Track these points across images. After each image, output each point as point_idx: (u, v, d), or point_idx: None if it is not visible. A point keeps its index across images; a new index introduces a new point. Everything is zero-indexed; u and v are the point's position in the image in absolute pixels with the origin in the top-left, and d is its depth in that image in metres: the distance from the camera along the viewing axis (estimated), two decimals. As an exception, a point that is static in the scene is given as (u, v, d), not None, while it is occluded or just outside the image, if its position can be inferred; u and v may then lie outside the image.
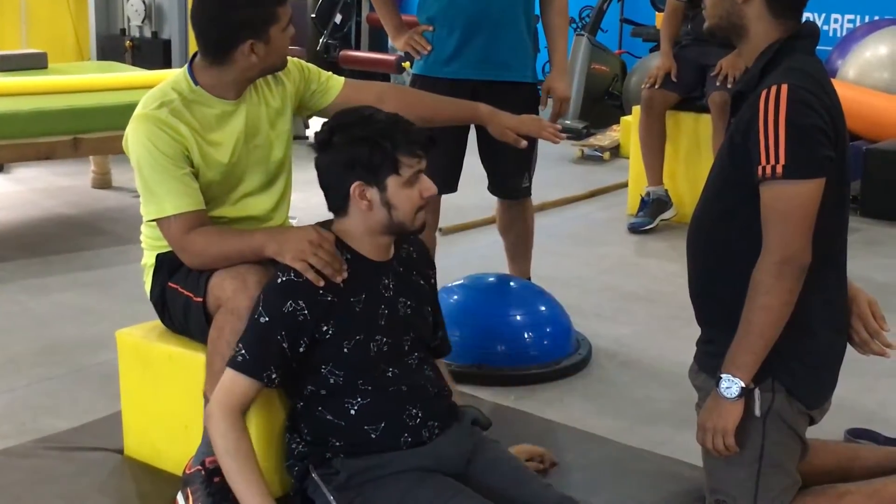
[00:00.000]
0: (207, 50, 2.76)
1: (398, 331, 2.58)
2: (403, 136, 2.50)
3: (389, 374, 2.56)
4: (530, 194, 4.13)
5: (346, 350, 2.51)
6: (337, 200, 2.57)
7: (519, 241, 4.20)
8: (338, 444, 2.53)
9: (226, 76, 2.75)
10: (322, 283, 2.48)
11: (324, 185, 2.58)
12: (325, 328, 2.50)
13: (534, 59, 4.00)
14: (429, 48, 3.87)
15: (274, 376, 2.48)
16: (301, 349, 2.49)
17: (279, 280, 2.51)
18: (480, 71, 3.83)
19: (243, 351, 2.48)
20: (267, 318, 2.47)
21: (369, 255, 2.58)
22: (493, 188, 4.10)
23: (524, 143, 3.19)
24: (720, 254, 2.55)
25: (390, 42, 4.14)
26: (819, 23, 8.47)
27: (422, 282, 2.71)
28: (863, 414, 3.37)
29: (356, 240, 2.57)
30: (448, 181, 3.93)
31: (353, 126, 2.52)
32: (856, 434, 3.13)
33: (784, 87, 2.36)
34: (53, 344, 4.01)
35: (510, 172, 3.97)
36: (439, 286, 3.77)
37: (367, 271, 2.56)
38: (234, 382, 2.48)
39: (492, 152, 3.76)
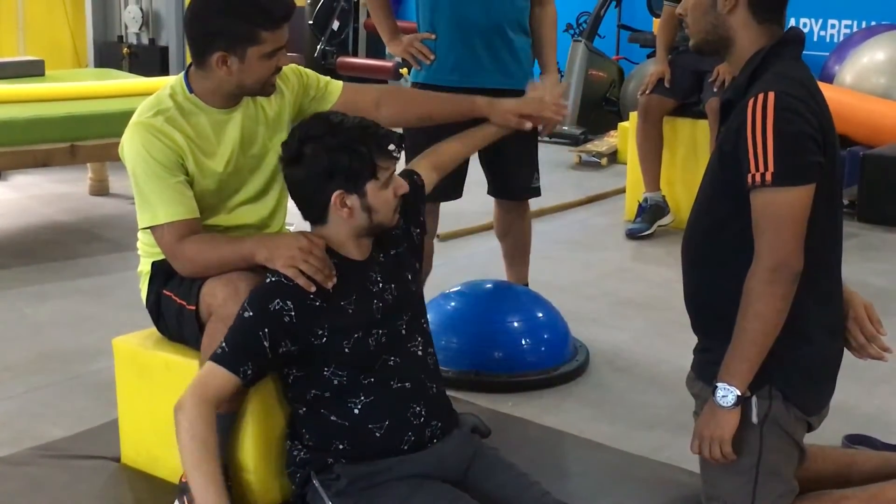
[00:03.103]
0: (190, 50, 2.78)
1: (393, 317, 2.59)
2: (376, 141, 2.50)
3: (391, 363, 2.56)
4: (540, 194, 4.13)
5: (346, 350, 2.51)
6: (315, 211, 2.57)
7: (517, 246, 4.19)
8: (341, 446, 2.52)
9: (209, 84, 2.75)
10: (313, 289, 2.48)
11: (299, 197, 2.58)
12: (319, 332, 2.50)
13: (532, 66, 4.01)
14: (432, 57, 3.86)
15: (249, 372, 2.46)
16: (281, 350, 2.48)
17: (269, 280, 2.52)
18: (484, 79, 3.83)
19: (224, 344, 2.48)
20: (251, 314, 2.47)
21: (353, 255, 2.59)
22: (499, 190, 4.06)
23: (528, 124, 3.13)
24: (714, 262, 2.55)
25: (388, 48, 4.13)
26: (816, 28, 8.49)
27: (395, 251, 2.70)
28: (860, 419, 3.36)
29: (339, 245, 2.58)
30: (453, 186, 3.93)
31: (324, 136, 2.51)
32: (853, 440, 3.13)
33: (771, 95, 2.36)
34: (50, 351, 4.01)
35: (518, 171, 3.95)
36: (436, 292, 3.79)
37: (353, 272, 2.57)
38: (210, 373, 2.47)
39: (495, 153, 3.72)
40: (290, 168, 2.57)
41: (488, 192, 4.10)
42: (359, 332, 2.52)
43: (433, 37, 3.86)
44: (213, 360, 2.48)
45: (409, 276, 2.72)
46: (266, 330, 2.46)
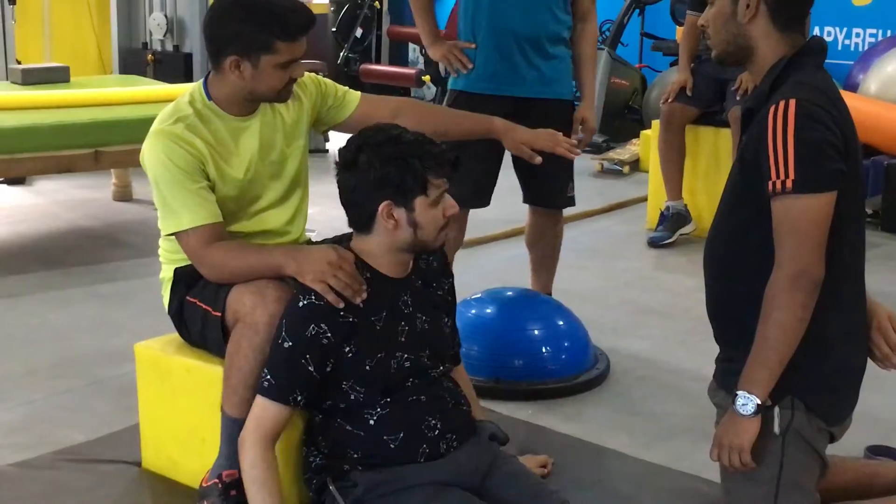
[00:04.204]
0: (207, 51, 2.80)
1: (417, 346, 2.58)
2: (432, 157, 2.49)
3: (409, 384, 2.56)
4: (575, 203, 4.15)
5: (367, 367, 2.51)
6: (361, 219, 2.55)
7: (546, 255, 4.19)
8: (355, 455, 2.52)
9: (225, 89, 2.76)
10: (342, 305, 2.48)
11: (348, 203, 2.56)
12: (346, 348, 2.50)
13: (571, 77, 4.03)
14: (470, 66, 3.88)
15: (300, 399, 2.50)
16: (328, 369, 2.50)
17: (300, 304, 2.50)
18: (522, 89, 3.85)
19: (269, 376, 2.49)
20: (291, 343, 2.47)
21: (388, 272, 2.58)
22: (536, 197, 4.07)
23: (538, 158, 3.17)
24: (735, 271, 2.54)
25: (410, 55, 4.15)
26: (840, 37, 8.45)
27: (439, 293, 2.72)
28: (883, 430, 3.34)
29: (376, 258, 2.57)
30: (481, 194, 3.94)
31: (381, 145, 2.49)
32: (875, 451, 3.11)
33: (792, 102, 2.35)
34: (72, 356, 4.03)
35: (557, 179, 3.97)
36: (458, 299, 3.78)
37: (386, 289, 2.56)
38: (262, 409, 2.50)
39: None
40: (343, 173, 2.55)
41: (524, 201, 4.10)
42: (382, 353, 2.52)
43: (473, 46, 3.87)
44: (262, 394, 2.50)
45: (446, 320, 2.72)
46: (308, 356, 2.47)
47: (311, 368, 2.47)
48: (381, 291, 2.55)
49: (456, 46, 3.91)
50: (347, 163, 2.53)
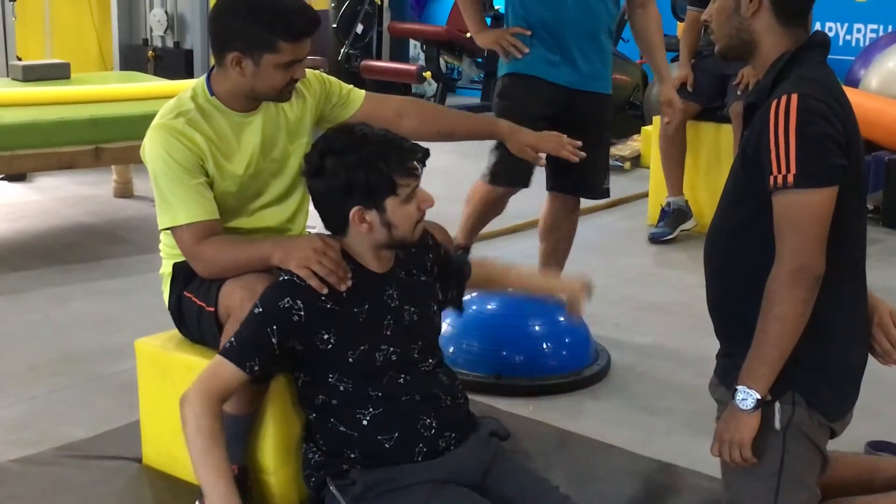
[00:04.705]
0: (210, 46, 2.80)
1: (405, 339, 2.57)
2: (398, 157, 2.48)
3: (401, 380, 2.55)
4: (610, 195, 4.18)
5: (350, 360, 2.51)
6: (335, 223, 2.57)
7: (559, 246, 4.20)
8: (353, 455, 2.52)
9: (227, 85, 2.76)
10: (325, 291, 2.48)
11: (320, 209, 2.58)
12: (326, 336, 2.50)
13: (611, 70, 4.10)
14: (526, 51, 3.89)
15: (256, 367, 2.47)
16: (288, 346, 2.49)
17: (281, 278, 2.53)
18: (578, 80, 3.89)
19: (233, 339, 2.49)
20: (261, 310, 2.48)
21: (372, 267, 2.58)
22: (571, 186, 4.06)
23: (543, 161, 3.18)
24: (736, 266, 2.54)
25: (411, 51, 4.16)
26: (842, 32, 8.44)
27: (423, 277, 2.70)
28: (883, 425, 3.34)
29: (359, 255, 2.58)
30: (522, 175, 3.91)
31: (345, 151, 2.49)
32: (876, 446, 3.11)
33: (794, 97, 2.35)
34: (73, 352, 4.03)
35: (598, 170, 3.98)
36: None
37: (370, 282, 2.56)
38: (218, 365, 2.48)
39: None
40: (311, 180, 2.57)
41: (548, 188, 4.10)
42: (365, 345, 2.52)
43: (528, 33, 3.89)
44: (221, 354, 2.50)
45: (434, 307, 2.71)
46: (274, 327, 2.46)
47: (273, 340, 2.46)
48: (364, 284, 2.55)
49: (508, 33, 3.93)
50: (313, 170, 2.54)
